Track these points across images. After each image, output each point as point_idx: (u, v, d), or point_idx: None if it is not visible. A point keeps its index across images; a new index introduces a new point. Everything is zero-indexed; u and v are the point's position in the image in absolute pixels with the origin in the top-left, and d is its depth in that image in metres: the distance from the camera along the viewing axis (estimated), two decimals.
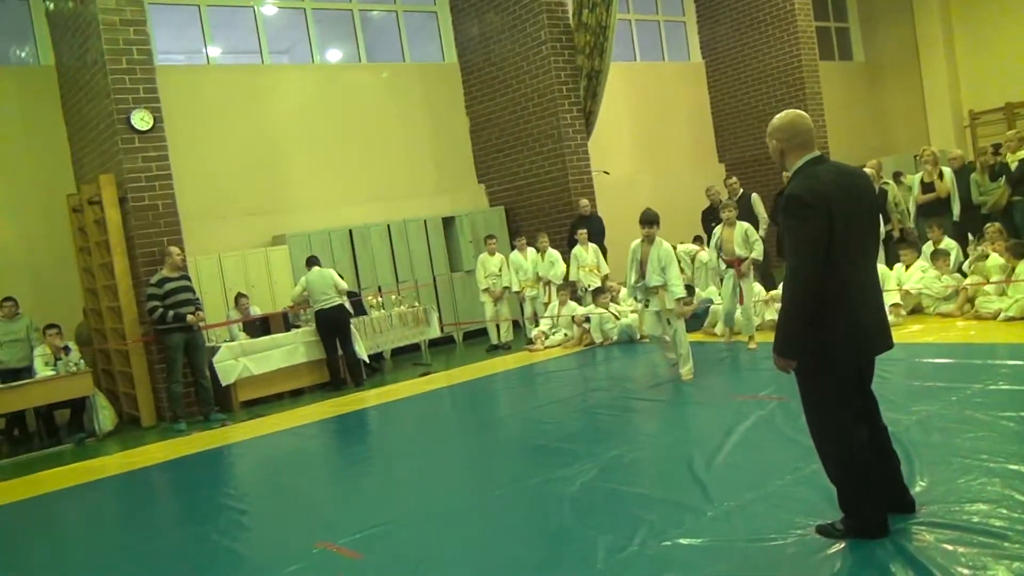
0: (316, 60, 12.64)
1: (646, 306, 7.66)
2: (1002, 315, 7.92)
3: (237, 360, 9.23)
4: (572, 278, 11.19)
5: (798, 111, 3.70)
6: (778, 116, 3.66)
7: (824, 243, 3.34)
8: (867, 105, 18.59)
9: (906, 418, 5.18)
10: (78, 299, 10.17)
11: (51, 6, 10.26)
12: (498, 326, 11.31)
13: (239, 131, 11.44)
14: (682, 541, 3.88)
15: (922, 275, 9.00)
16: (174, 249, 8.84)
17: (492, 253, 11.30)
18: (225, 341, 9.58)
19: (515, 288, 11.15)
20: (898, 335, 7.91)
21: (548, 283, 11.13)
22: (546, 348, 10.45)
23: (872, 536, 3.54)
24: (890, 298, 8.75)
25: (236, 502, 5.78)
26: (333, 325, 9.78)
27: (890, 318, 8.31)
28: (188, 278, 8.98)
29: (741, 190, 11.44)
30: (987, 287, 8.32)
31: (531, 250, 11.31)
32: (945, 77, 17.54)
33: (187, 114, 10.85)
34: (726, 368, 8.08)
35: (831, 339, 3.45)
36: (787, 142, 3.57)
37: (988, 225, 9.04)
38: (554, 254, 11.14)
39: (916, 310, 8.95)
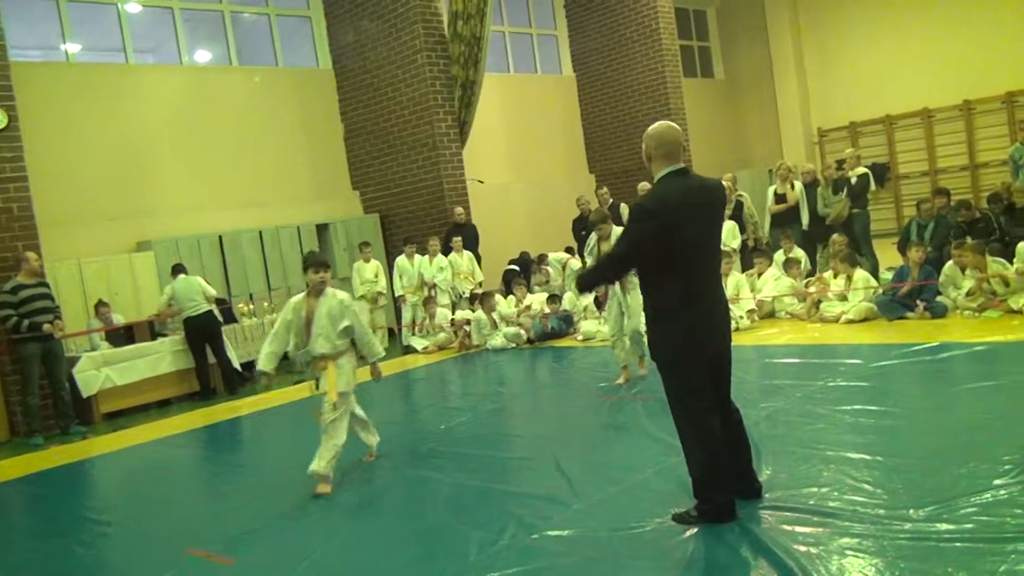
0: (184, 61, 12.30)
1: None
2: (843, 318, 8.59)
3: (99, 370, 8.90)
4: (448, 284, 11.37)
5: (671, 123, 4.03)
6: (654, 125, 3.99)
7: (647, 246, 3.77)
8: (727, 120, 19.61)
9: (755, 413, 5.58)
10: None
11: None
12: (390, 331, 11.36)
13: (102, 132, 11.01)
14: (550, 533, 4.08)
15: (775, 283, 9.63)
16: (30, 255, 8.44)
17: (367, 260, 11.31)
18: (86, 351, 9.20)
19: (398, 293, 11.20)
20: (752, 338, 8.51)
21: (434, 287, 11.26)
22: (425, 351, 10.57)
23: (722, 520, 3.84)
24: (746, 304, 9.33)
25: (99, 515, 5.60)
26: (203, 333, 9.59)
27: (745, 322, 8.94)
28: (46, 285, 8.60)
29: (611, 200, 11.92)
30: (831, 293, 9.00)
31: (418, 256, 11.40)
32: (796, 96, 18.72)
33: (45, 113, 10.37)
34: (594, 370, 8.39)
35: (673, 336, 3.85)
36: (654, 150, 3.90)
37: (834, 237, 9.77)
38: (443, 259, 11.28)
39: (770, 314, 9.56)
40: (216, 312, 9.78)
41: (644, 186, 12.21)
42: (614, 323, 7.38)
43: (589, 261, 7.86)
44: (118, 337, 9.50)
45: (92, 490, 6.75)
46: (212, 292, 9.81)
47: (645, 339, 6.94)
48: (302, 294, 5.47)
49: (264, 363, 5.44)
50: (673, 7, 16.20)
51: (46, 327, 8.30)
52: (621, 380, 7.28)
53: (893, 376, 6.41)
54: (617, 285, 7.32)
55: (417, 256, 11.42)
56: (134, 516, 5.57)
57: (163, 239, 10.95)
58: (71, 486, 6.71)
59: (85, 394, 8.78)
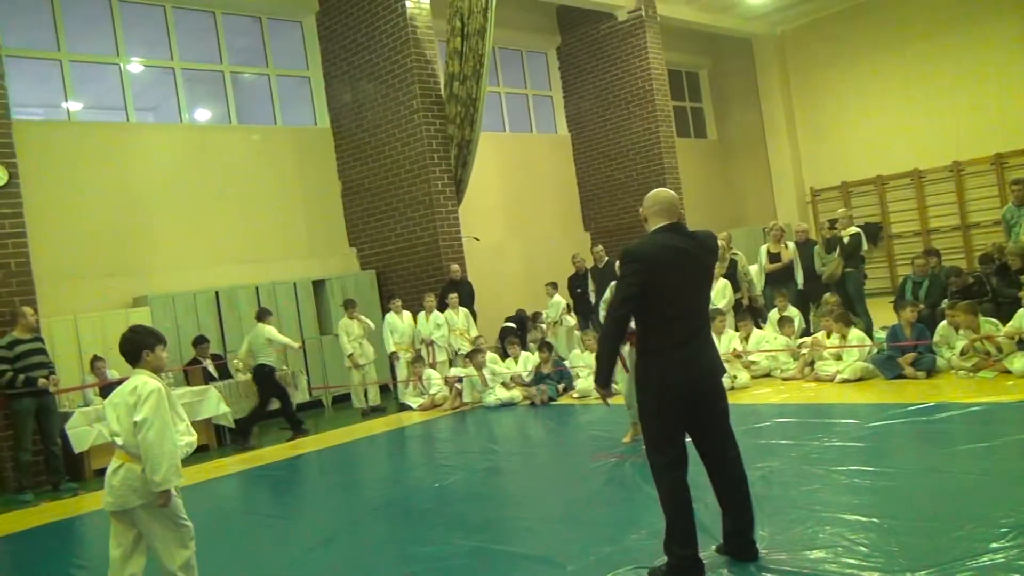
0: (184, 119, 12.49)
1: None
2: (838, 377, 8.61)
3: (91, 426, 8.85)
4: (441, 341, 11.40)
5: (664, 189, 4.29)
6: (651, 192, 4.24)
7: (636, 289, 3.88)
8: (721, 180, 19.88)
9: (751, 473, 5.47)
10: None
11: None
12: (366, 391, 11.31)
13: (101, 189, 11.12)
14: None
15: (768, 342, 9.67)
16: (27, 310, 8.46)
17: (352, 318, 11.32)
18: (79, 406, 9.16)
19: (390, 350, 11.20)
20: (747, 396, 8.50)
21: (431, 344, 11.27)
22: (420, 408, 10.55)
23: (688, 575, 3.88)
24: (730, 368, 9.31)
25: (90, 573, 5.53)
26: (259, 381, 9.99)
27: (741, 380, 8.93)
28: (41, 340, 8.60)
29: (607, 258, 12.01)
30: (825, 351, 9.02)
31: (406, 313, 11.45)
32: (789, 157, 19.02)
33: (45, 170, 10.49)
34: (590, 428, 8.37)
35: (652, 379, 3.98)
36: (649, 209, 4.14)
37: (826, 296, 9.85)
38: (440, 316, 11.33)
39: (765, 374, 9.57)
40: (269, 363, 9.98)
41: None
42: (628, 385, 7.05)
43: (603, 312, 7.74)
44: (111, 393, 9.45)
45: (80, 549, 6.64)
46: (281, 340, 10.08)
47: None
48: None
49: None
50: (666, 69, 16.54)
51: (41, 382, 8.29)
52: (628, 437, 7.22)
53: (889, 436, 6.40)
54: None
55: (406, 312, 11.46)
56: None
57: (160, 295, 10.99)
58: (60, 544, 6.62)
59: (77, 450, 8.72)
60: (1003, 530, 4.02)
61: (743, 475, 4.13)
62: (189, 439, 4.17)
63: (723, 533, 4.17)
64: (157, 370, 4.12)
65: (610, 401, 4.33)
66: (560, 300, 12.65)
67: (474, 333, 11.62)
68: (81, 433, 8.77)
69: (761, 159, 19.56)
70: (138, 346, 4.11)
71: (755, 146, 19.68)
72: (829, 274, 10.36)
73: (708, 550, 4.16)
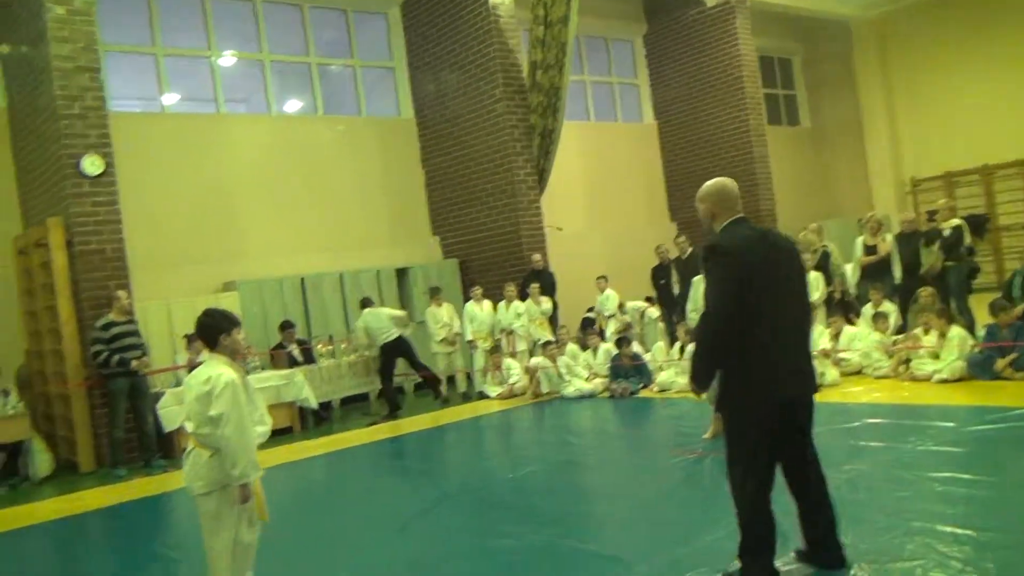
0: (273, 110, 12.74)
1: None
2: (935, 377, 8.17)
3: (181, 406, 9.09)
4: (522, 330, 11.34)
5: (725, 178, 3.94)
6: (708, 183, 3.90)
7: (736, 286, 3.55)
8: (813, 169, 19.20)
9: (836, 475, 5.27)
10: (20, 341, 9.97)
11: (6, 49, 10.25)
12: (450, 377, 11.35)
13: (193, 178, 11.43)
14: None
15: (861, 339, 9.26)
16: (121, 293, 8.77)
17: (439, 305, 11.36)
18: (171, 386, 9.45)
19: (468, 338, 11.20)
20: (837, 395, 8.15)
21: (511, 333, 11.24)
22: (499, 397, 10.52)
23: None
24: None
25: (172, 550, 5.68)
26: (397, 353, 10.50)
27: (829, 377, 8.58)
28: (135, 323, 8.90)
29: (690, 248, 11.69)
30: (923, 350, 8.58)
31: (486, 302, 11.43)
32: (887, 145, 18.21)
33: (140, 160, 10.82)
34: (669, 423, 8.19)
35: (741, 386, 3.66)
36: (718, 206, 3.81)
37: (921, 290, 9.36)
38: (520, 305, 11.29)
39: (857, 371, 9.17)
40: (407, 335, 10.62)
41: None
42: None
43: (693, 316, 7.37)
44: (190, 374, 9.71)
45: (169, 525, 6.86)
46: (401, 314, 10.73)
47: None
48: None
49: None
50: (757, 56, 16.05)
51: (134, 363, 8.58)
52: (710, 433, 6.97)
53: (989, 442, 6.02)
54: None
55: (486, 301, 11.43)
56: (203, 553, 5.61)
57: (248, 280, 11.25)
58: (148, 520, 6.85)
59: (167, 429, 8.99)
60: None
61: (823, 475, 3.88)
62: (263, 429, 4.14)
63: (806, 539, 3.93)
64: (234, 354, 4.07)
65: (703, 396, 4.01)
66: (612, 294, 12.27)
67: (555, 325, 11.52)
68: (171, 413, 9.02)
69: (857, 148, 18.79)
70: (214, 330, 4.06)
71: (851, 134, 18.92)
72: (928, 268, 9.83)
73: (785, 556, 3.97)
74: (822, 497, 3.86)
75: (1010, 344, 7.96)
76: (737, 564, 3.78)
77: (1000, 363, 7.89)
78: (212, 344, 4.06)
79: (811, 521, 3.86)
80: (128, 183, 9.97)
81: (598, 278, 12.48)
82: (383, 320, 10.51)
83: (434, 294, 11.53)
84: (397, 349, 10.56)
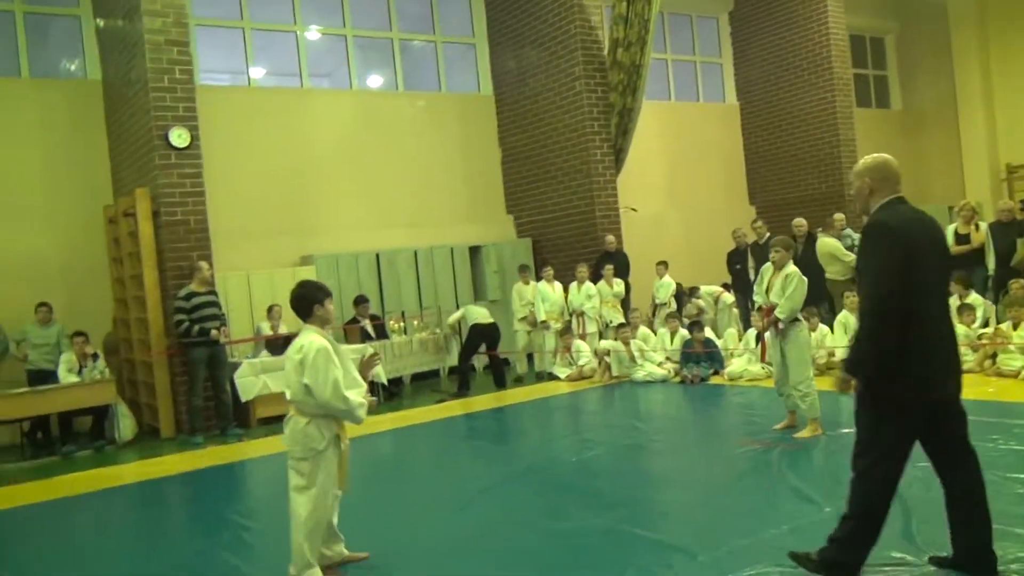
0: (355, 86, 12.90)
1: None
2: (1023, 374, 7.82)
3: (257, 376, 9.37)
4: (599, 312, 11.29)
5: (886, 155, 3.73)
6: (868, 158, 3.71)
7: (902, 267, 3.35)
8: (903, 154, 18.41)
9: (911, 472, 5.11)
10: (109, 308, 10.39)
11: (101, 23, 10.62)
12: (529, 356, 11.39)
13: (274, 151, 11.68)
14: None
15: None
16: (203, 264, 9.03)
17: (527, 282, 11.38)
18: (248, 357, 9.72)
19: (541, 318, 11.20)
20: None
21: (582, 315, 11.20)
22: (568, 379, 10.51)
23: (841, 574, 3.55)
24: None
25: (244, 518, 5.85)
26: (486, 337, 10.74)
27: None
28: (215, 294, 9.17)
29: (768, 234, 11.42)
30: (1011, 345, 8.23)
31: (557, 283, 11.42)
32: (983, 130, 17.39)
33: (225, 132, 11.11)
34: (740, 411, 8.05)
35: (897, 385, 3.42)
36: (879, 182, 3.60)
37: (1012, 282, 8.95)
38: (592, 287, 11.24)
39: None
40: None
41: (800, 221, 11.67)
42: (779, 371, 6.86)
43: (758, 300, 7.05)
44: (277, 346, 9.96)
45: (242, 493, 7.09)
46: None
47: (810, 398, 6.54)
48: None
49: None
50: (848, 34, 15.51)
51: (213, 333, 8.84)
52: (782, 425, 6.85)
53: None
54: (764, 319, 6.85)
55: (557, 282, 11.39)
56: (275, 523, 5.74)
57: (324, 255, 11.46)
58: (223, 487, 7.08)
59: (244, 399, 9.27)
60: None
61: (981, 479, 3.65)
62: (357, 390, 4.27)
63: (958, 546, 3.67)
64: (325, 323, 4.27)
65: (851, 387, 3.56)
66: (670, 281, 11.99)
67: (663, 300, 11.48)
68: (248, 383, 9.30)
69: (951, 132, 18.02)
70: (309, 301, 4.26)
71: (945, 117, 18.14)
72: (1020, 259, 9.38)
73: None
74: (974, 502, 3.62)
75: None
76: (820, 552, 3.65)
77: None
78: (306, 314, 4.27)
79: (967, 527, 3.62)
80: (213, 155, 10.26)
81: (658, 263, 12.19)
82: (483, 310, 10.90)
83: (523, 271, 11.55)
84: (487, 334, 10.73)
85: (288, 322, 10.55)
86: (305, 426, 4.14)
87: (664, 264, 12.17)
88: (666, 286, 11.97)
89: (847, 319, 9.51)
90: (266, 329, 10.14)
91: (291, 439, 4.22)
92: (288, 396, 4.25)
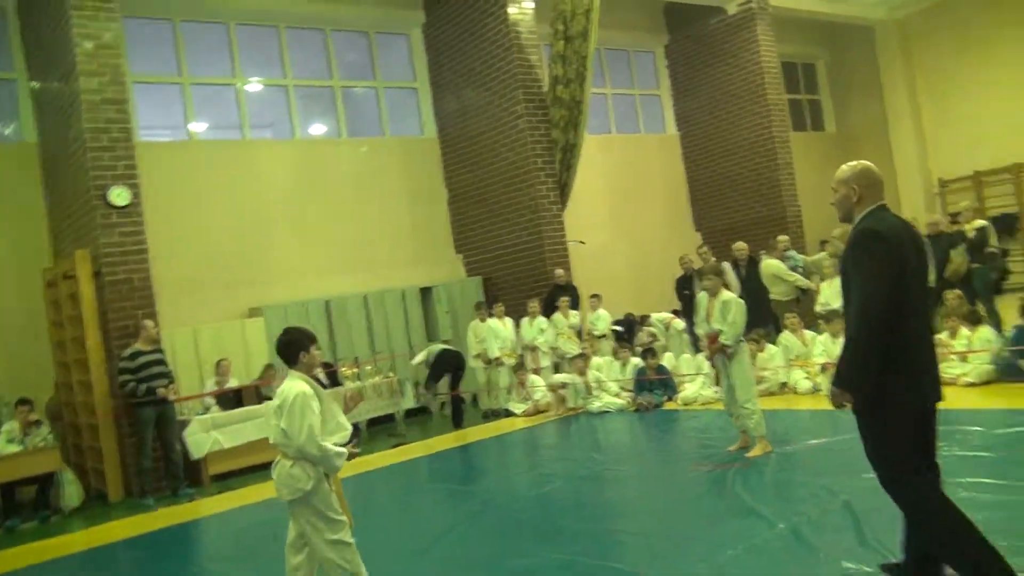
0: (297, 135, 12.90)
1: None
2: (962, 380, 8.01)
3: (208, 433, 9.20)
4: (552, 345, 11.32)
5: (867, 162, 3.74)
6: (850, 165, 3.69)
7: (896, 275, 3.34)
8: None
9: (856, 483, 5.23)
10: (50, 373, 10.13)
11: (36, 85, 10.51)
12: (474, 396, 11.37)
13: (218, 204, 11.59)
14: None
15: None
16: (148, 323, 8.88)
17: (483, 320, 11.37)
18: (197, 414, 9.55)
19: (493, 355, 11.18)
20: None
21: (535, 349, 11.22)
22: (524, 414, 10.49)
23: None
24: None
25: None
26: (454, 364, 10.89)
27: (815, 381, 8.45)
28: (162, 351, 9.01)
29: (713, 258, 11.59)
30: (951, 354, 8.42)
31: (508, 319, 11.45)
32: (914, 147, 17.94)
33: (167, 188, 11.00)
34: (694, 435, 8.09)
35: (892, 383, 3.39)
36: (865, 189, 3.60)
37: (947, 293, 9.19)
38: (544, 321, 11.27)
39: None
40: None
41: (740, 245, 11.90)
42: (727, 394, 6.94)
43: (700, 331, 7.14)
44: (227, 401, 9.83)
45: (198, 552, 6.91)
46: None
47: (756, 416, 6.66)
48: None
49: None
50: (780, 62, 15.95)
51: (160, 391, 8.67)
52: (736, 446, 6.92)
53: (1018, 447, 5.89)
54: (710, 347, 6.88)
55: (508, 318, 11.43)
56: None
57: (273, 305, 11.36)
58: (178, 548, 6.89)
59: (195, 456, 9.08)
60: None
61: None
62: (342, 434, 4.31)
63: (912, 555, 3.68)
64: (311, 369, 4.32)
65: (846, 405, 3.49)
66: (604, 314, 11.90)
67: (602, 331, 11.49)
68: (199, 440, 9.13)
69: (884, 150, 18.53)
70: (295, 347, 4.29)
71: (877, 137, 18.68)
72: (953, 271, 9.66)
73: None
74: None
75: None
76: None
77: None
78: (292, 361, 4.30)
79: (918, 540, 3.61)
80: (155, 211, 10.15)
81: (591, 296, 12.08)
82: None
83: (479, 308, 11.56)
84: (454, 362, 10.91)
85: (238, 375, 10.43)
86: (290, 468, 4.17)
87: (597, 296, 12.08)
88: (603, 319, 11.89)
89: (788, 339, 9.65)
90: (211, 386, 9.97)
91: (279, 482, 4.25)
92: (271, 440, 4.29)
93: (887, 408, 3.41)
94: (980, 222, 9.96)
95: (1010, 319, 8.80)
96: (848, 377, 3.41)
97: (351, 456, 4.51)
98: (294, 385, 4.17)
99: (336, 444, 4.21)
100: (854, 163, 3.70)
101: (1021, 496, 4.74)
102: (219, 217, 11.56)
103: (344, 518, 4.27)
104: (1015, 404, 7.01)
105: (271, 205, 12.09)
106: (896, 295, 3.34)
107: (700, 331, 7.11)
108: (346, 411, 4.51)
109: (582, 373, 10.27)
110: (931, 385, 3.47)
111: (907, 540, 3.70)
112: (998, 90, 16.76)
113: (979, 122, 17.09)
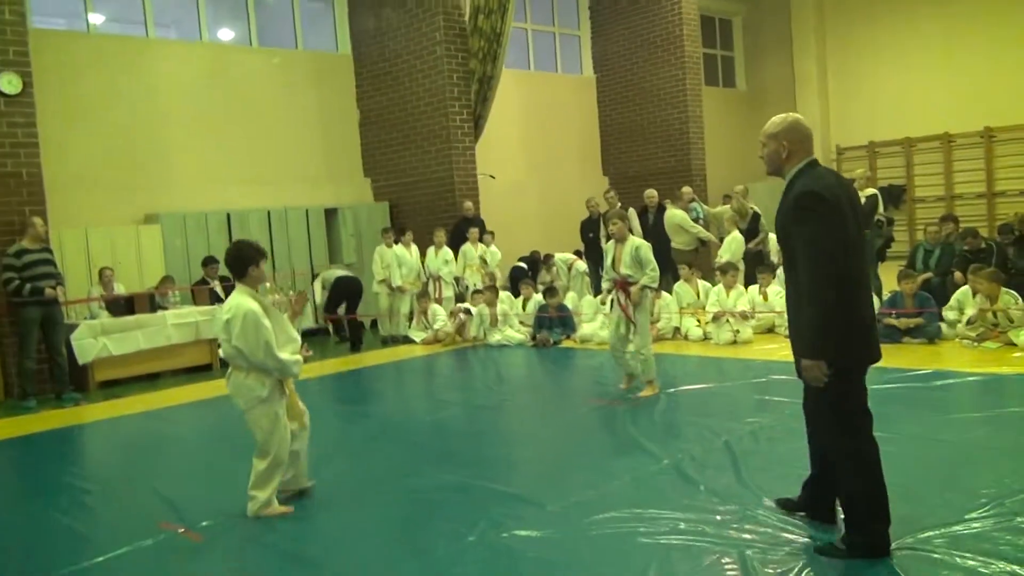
0: (204, 38, 12.34)
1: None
2: None
3: (96, 339, 8.95)
4: (456, 276, 11.41)
5: (796, 115, 3.66)
6: (779, 118, 3.59)
7: (844, 235, 3.33)
8: (746, 131, 19.40)
9: (739, 427, 5.58)
10: None
11: None
12: (373, 321, 11.37)
13: (117, 102, 11.05)
14: (519, 532, 4.08)
15: (779, 298, 9.58)
16: (37, 220, 8.48)
17: (389, 245, 11.30)
18: (85, 318, 9.26)
19: (396, 283, 11.17)
20: (751, 351, 8.45)
21: (438, 279, 11.27)
22: (423, 342, 10.59)
23: (875, 555, 3.48)
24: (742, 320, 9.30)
25: (82, 482, 5.63)
26: (348, 294, 10.95)
27: (745, 334, 8.90)
28: (50, 251, 8.64)
29: (619, 203, 11.82)
30: None
31: (414, 247, 11.44)
32: (817, 112, 18.59)
33: (61, 80, 10.42)
34: (590, 373, 8.38)
35: (849, 339, 3.40)
36: (796, 144, 3.52)
37: None
38: (448, 252, 11.31)
39: (770, 329, 9.52)
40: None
41: (651, 192, 12.17)
42: (614, 334, 7.06)
43: (606, 280, 7.11)
44: (118, 308, 9.51)
45: (78, 457, 6.79)
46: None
47: (650, 361, 6.85)
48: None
49: None
50: (699, 14, 16.15)
51: (48, 291, 8.35)
52: (623, 385, 7.17)
53: (885, 400, 6.30)
54: (619, 295, 6.89)
55: (414, 246, 11.42)
56: (115, 486, 5.60)
57: (171, 213, 11.00)
58: (58, 451, 6.75)
59: (81, 361, 8.83)
60: (982, 500, 4.01)
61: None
62: (292, 346, 4.54)
63: (811, 496, 3.95)
64: (257, 283, 4.51)
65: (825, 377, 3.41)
66: (496, 251, 11.72)
67: (493, 266, 11.58)
68: (86, 345, 8.87)
69: (789, 110, 19.05)
70: (244, 261, 4.46)
71: (784, 99, 19.19)
72: None
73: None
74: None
75: (913, 312, 8.36)
76: (845, 538, 3.58)
77: (900, 325, 8.31)
78: (240, 274, 4.49)
79: (826, 483, 3.83)
80: (48, 104, 9.65)
81: (486, 232, 11.91)
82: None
83: (385, 233, 11.40)
84: (351, 288, 10.93)
85: (125, 283, 10.11)
86: (244, 379, 4.42)
87: (491, 234, 12.02)
88: (494, 255, 11.79)
89: (682, 288, 10.03)
90: (97, 293, 9.62)
91: (235, 391, 4.49)
92: (221, 353, 4.52)
93: (849, 364, 3.45)
94: (871, 190, 10.48)
95: (890, 284, 9.37)
96: (821, 346, 3.37)
97: (305, 360, 4.78)
98: (243, 301, 4.34)
99: (291, 353, 4.46)
100: (783, 116, 3.61)
101: (885, 446, 5.12)
102: (117, 115, 11.03)
103: (288, 430, 4.57)
104: (886, 363, 7.44)
105: (174, 108, 11.59)
106: (840, 253, 3.32)
107: (607, 280, 7.11)
108: (295, 315, 4.79)
109: (491, 304, 10.36)
110: (873, 343, 3.52)
111: (816, 490, 3.92)
112: (901, 63, 17.52)
113: (879, 93, 17.87)
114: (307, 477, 4.89)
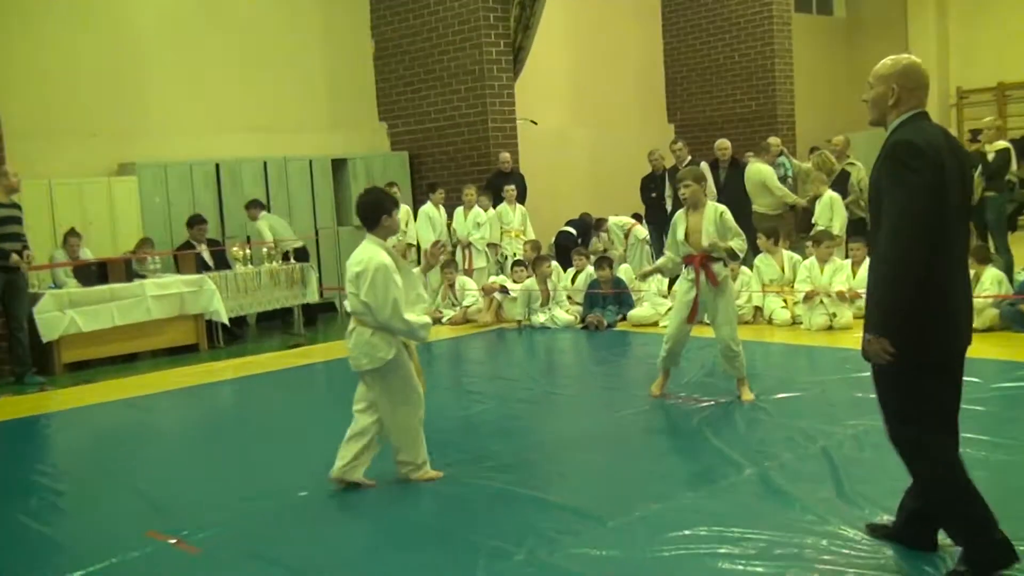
0: None
1: None
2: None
3: (63, 312, 9.10)
4: (493, 241, 11.43)
5: (914, 58, 3.71)
6: (893, 59, 3.67)
7: (935, 197, 3.36)
8: (844, 68, 19.24)
9: (840, 431, 5.57)
10: None
11: None
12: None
13: (86, 35, 11.15)
14: (575, 551, 4.11)
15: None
16: (8, 168, 8.60)
17: (437, 205, 11.38)
18: (49, 287, 9.41)
19: (425, 246, 11.20)
20: (849, 340, 8.39)
21: (468, 246, 11.29)
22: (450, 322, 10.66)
23: (1007, 563, 3.53)
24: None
25: (51, 481, 5.78)
26: None
27: (843, 319, 8.84)
28: (19, 207, 8.79)
29: (689, 158, 11.77)
30: None
31: (443, 208, 11.50)
32: (934, 46, 18.28)
33: (19, 11, 10.53)
34: (650, 361, 8.38)
35: (924, 324, 3.44)
36: (907, 91, 3.57)
37: None
38: (482, 213, 11.29)
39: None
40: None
41: (723, 143, 12.04)
42: (677, 320, 6.76)
43: (669, 254, 6.84)
44: (88, 276, 9.61)
45: (45, 451, 6.95)
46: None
47: (741, 356, 6.66)
48: None
49: None
50: None
51: (14, 258, 8.47)
52: (656, 391, 6.91)
53: (1017, 403, 6.31)
54: (701, 275, 6.55)
55: (442, 207, 11.46)
56: (91, 486, 5.74)
57: (150, 163, 11.14)
58: (22, 444, 6.92)
59: (46, 339, 8.99)
60: None
61: None
62: (422, 306, 5.03)
63: (908, 512, 3.93)
64: (390, 233, 5.01)
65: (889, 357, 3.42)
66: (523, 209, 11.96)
67: (530, 235, 11.60)
68: (51, 320, 9.02)
69: (899, 45, 18.79)
70: (378, 209, 4.89)
71: (893, 29, 18.93)
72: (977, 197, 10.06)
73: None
74: None
75: None
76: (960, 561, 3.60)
77: None
78: (373, 224, 4.91)
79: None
80: (6, 39, 9.73)
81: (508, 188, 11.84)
82: (287, 228, 11.27)
83: (391, 187, 11.46)
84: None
85: (103, 248, 10.26)
86: (370, 337, 4.80)
87: (513, 188, 12.00)
88: (522, 214, 11.84)
89: (764, 261, 9.91)
90: (61, 258, 9.76)
91: (357, 350, 4.86)
92: (348, 308, 4.91)
93: (920, 355, 3.47)
94: (1002, 143, 10.30)
95: (1022, 260, 9.25)
96: (883, 320, 3.43)
97: (435, 320, 5.17)
98: (375, 254, 4.75)
99: (419, 314, 4.88)
100: (898, 57, 3.69)
101: (1010, 456, 5.09)
102: (86, 51, 11.15)
103: (420, 391, 5.01)
104: (1018, 356, 7.45)
105: (153, 42, 11.69)
106: (934, 219, 3.35)
107: (672, 254, 6.81)
108: (428, 267, 5.43)
109: (544, 279, 10.31)
110: (966, 326, 3.56)
111: (905, 500, 3.94)
112: None
113: (1011, 24, 17.49)
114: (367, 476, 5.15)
